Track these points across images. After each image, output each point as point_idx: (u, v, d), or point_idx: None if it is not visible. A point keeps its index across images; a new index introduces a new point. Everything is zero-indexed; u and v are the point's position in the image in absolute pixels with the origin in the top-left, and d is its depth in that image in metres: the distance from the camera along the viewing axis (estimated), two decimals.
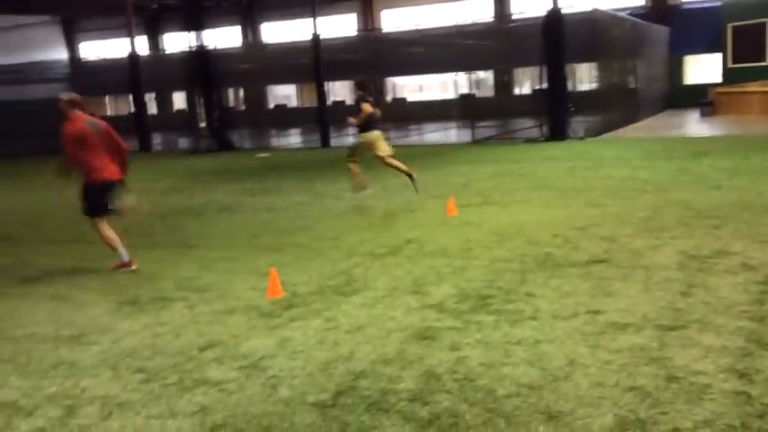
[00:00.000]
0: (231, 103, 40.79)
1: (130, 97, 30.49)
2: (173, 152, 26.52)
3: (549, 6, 19.65)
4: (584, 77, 26.68)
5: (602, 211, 8.96)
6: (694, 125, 22.60)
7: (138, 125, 28.02)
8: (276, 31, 40.39)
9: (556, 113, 19.97)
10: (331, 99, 28.62)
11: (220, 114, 26.88)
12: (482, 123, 24.74)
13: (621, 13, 25.00)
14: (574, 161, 14.58)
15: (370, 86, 11.68)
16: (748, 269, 5.99)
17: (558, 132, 19.76)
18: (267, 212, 10.86)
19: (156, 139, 29.71)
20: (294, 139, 29.33)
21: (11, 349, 5.23)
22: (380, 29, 37.93)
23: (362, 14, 38.73)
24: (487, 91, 37.07)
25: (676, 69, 31.01)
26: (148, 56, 35.89)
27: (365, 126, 10.96)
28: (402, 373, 4.27)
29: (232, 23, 40.70)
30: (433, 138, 25.55)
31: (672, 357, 4.24)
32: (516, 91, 36.85)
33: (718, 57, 28.63)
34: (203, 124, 28.07)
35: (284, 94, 42.73)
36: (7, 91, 29.28)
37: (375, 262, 7.13)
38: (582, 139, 19.49)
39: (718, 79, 28.32)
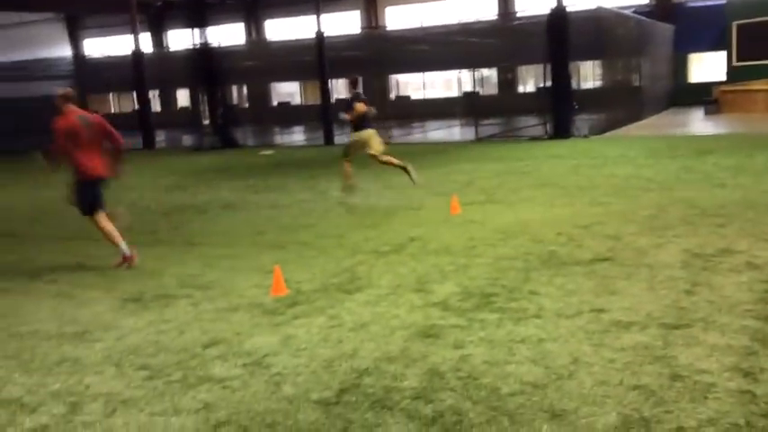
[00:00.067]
0: (235, 100, 40.84)
1: (134, 94, 30.52)
2: (176, 149, 26.56)
3: (554, 4, 19.61)
4: (589, 75, 26.66)
5: (606, 210, 8.95)
6: (698, 123, 22.55)
7: (141, 122, 28.05)
8: (280, 29, 40.39)
9: (560, 111, 19.94)
10: (334, 96, 28.58)
11: (224, 112, 26.89)
12: (486, 121, 24.76)
13: (626, 11, 24.96)
14: (578, 159, 14.56)
15: (360, 84, 11.69)
16: (753, 268, 5.97)
17: (561, 130, 19.73)
18: (271, 210, 10.86)
19: (160, 137, 29.76)
20: (298, 136, 29.36)
21: (15, 346, 5.24)
22: (384, 26, 37.91)
23: (366, 12, 38.71)
24: (491, 89, 37.03)
25: (681, 67, 30.96)
26: (152, 53, 35.93)
27: (359, 125, 11.01)
28: (406, 371, 4.27)
29: (236, 21, 40.72)
30: (437, 135, 25.52)
31: (676, 356, 4.23)
32: (520, 89, 36.84)
33: (722, 55, 28.57)
34: (207, 121, 28.11)
35: (288, 91, 42.73)
36: (11, 88, 29.33)
37: (379, 260, 7.13)
38: (586, 137, 19.46)
39: (723, 77, 28.27)
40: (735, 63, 27.59)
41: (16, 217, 11.92)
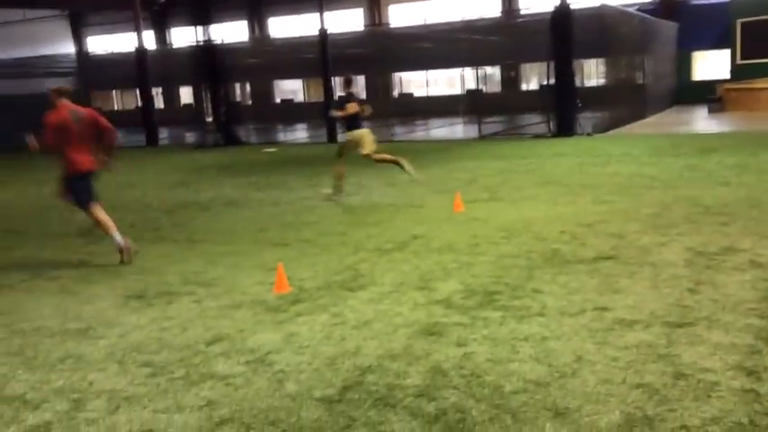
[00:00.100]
0: (238, 97, 40.84)
1: (137, 91, 30.53)
2: (179, 146, 26.56)
3: (558, 1, 19.57)
4: (592, 73, 26.63)
5: (609, 208, 8.93)
6: (702, 122, 22.51)
7: (144, 119, 28.09)
8: (283, 26, 40.38)
9: (563, 109, 19.91)
10: (338, 94, 28.57)
11: (227, 109, 26.89)
12: (489, 119, 24.72)
13: (630, 9, 24.91)
14: (581, 157, 14.54)
15: (355, 83, 11.75)
16: (756, 266, 5.96)
17: (565, 128, 19.71)
18: (273, 207, 10.86)
19: (163, 134, 29.79)
20: (301, 133, 29.36)
21: (18, 343, 5.25)
22: (388, 24, 37.89)
23: (370, 9, 38.68)
24: (494, 86, 37.01)
25: (684, 65, 30.91)
26: (155, 50, 35.93)
27: (352, 124, 11.05)
28: (409, 369, 4.27)
29: (239, 18, 40.72)
30: (440, 133, 25.51)
31: (679, 354, 4.22)
32: (523, 86, 36.81)
33: (726, 53, 28.51)
34: (210, 119, 28.14)
35: (291, 88, 42.75)
36: (15, 85, 29.36)
37: (382, 257, 7.12)
38: (589, 135, 19.44)
39: (727, 75, 28.22)
40: (739, 61, 27.53)
41: (19, 214, 11.93)
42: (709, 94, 26.01)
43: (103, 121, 7.64)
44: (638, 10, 26.01)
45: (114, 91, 47.38)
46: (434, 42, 30.33)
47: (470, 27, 27.04)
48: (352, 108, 10.84)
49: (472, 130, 23.06)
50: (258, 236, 8.76)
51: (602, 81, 24.09)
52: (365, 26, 37.52)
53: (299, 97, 42.35)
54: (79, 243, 8.66)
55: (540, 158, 14.84)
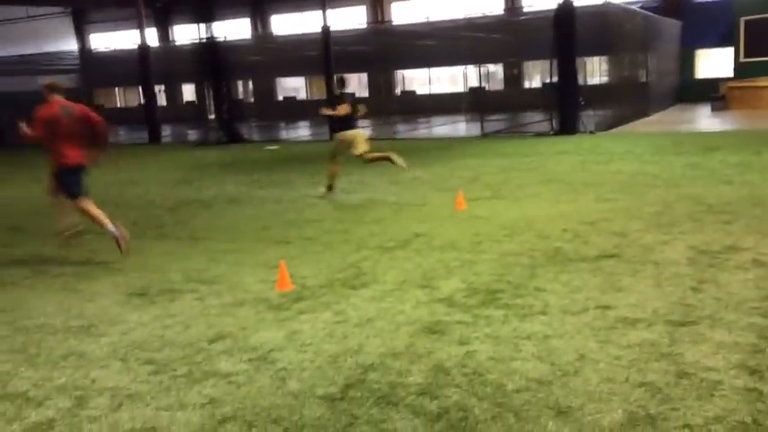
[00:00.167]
0: (240, 95, 40.87)
1: (140, 89, 30.57)
2: (182, 144, 26.55)
3: None
4: (595, 71, 26.62)
5: (612, 206, 8.92)
6: (705, 120, 22.47)
7: (147, 117, 28.11)
8: (286, 23, 40.38)
9: (566, 107, 19.89)
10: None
11: (229, 106, 26.90)
12: (491, 117, 24.69)
13: (633, 7, 24.87)
14: (584, 155, 14.52)
15: (348, 83, 11.82)
16: (759, 265, 5.95)
17: (568, 126, 19.68)
18: (276, 205, 10.87)
19: (166, 131, 29.81)
20: (303, 131, 29.35)
21: (21, 340, 5.26)
22: (390, 21, 37.88)
23: (372, 6, 38.66)
24: (497, 84, 37.00)
25: (688, 63, 30.87)
26: (158, 47, 35.97)
27: (344, 125, 11.10)
28: (411, 367, 4.27)
29: (242, 15, 40.74)
30: (442, 131, 25.50)
31: (682, 353, 4.22)
32: (526, 84, 36.79)
33: (729, 51, 28.45)
34: (212, 116, 28.15)
35: (293, 86, 42.76)
36: (18, 82, 29.42)
37: (384, 255, 7.12)
38: (592, 133, 19.41)
39: (730, 73, 28.16)
40: (742, 59, 27.46)
41: (22, 211, 11.94)
42: (712, 93, 25.97)
43: (94, 116, 7.74)
44: (642, 8, 25.98)
45: (117, 88, 47.46)
46: (437, 40, 30.33)
47: (473, 25, 27.03)
48: (343, 110, 10.92)
49: (475, 128, 23.04)
50: (260, 233, 8.76)
51: (604, 79, 24.09)
52: (368, 23, 37.51)
53: (302, 95, 42.36)
54: (83, 240, 8.65)
55: (543, 156, 14.83)
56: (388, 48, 32.20)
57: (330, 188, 11.36)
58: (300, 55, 30.27)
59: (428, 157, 15.78)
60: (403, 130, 26.45)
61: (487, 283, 5.93)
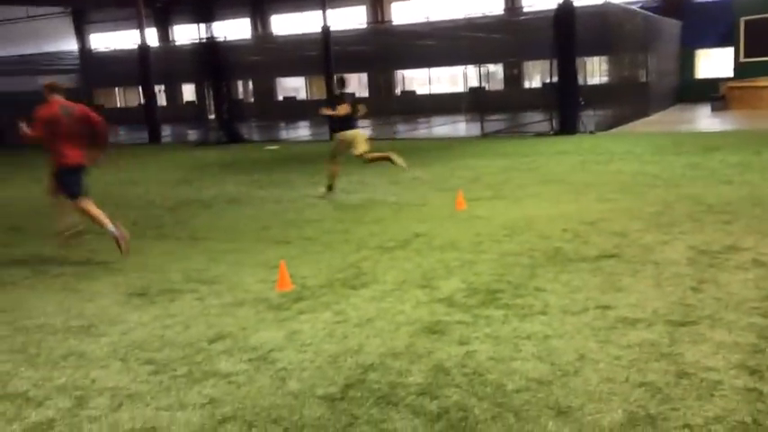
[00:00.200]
0: (240, 95, 40.86)
1: (140, 89, 30.56)
2: (182, 144, 26.55)
3: None
4: (595, 71, 26.62)
5: (612, 206, 8.92)
6: (705, 120, 22.47)
7: (147, 117, 28.12)
8: (286, 23, 40.38)
9: (566, 107, 19.89)
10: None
11: (229, 106, 26.91)
12: (491, 117, 24.68)
13: (633, 7, 24.87)
14: (584, 155, 14.52)
15: (348, 84, 11.84)
16: (759, 265, 5.95)
17: (568, 126, 19.68)
18: (276, 205, 10.87)
19: (166, 131, 29.81)
20: (303, 131, 29.35)
21: (21, 340, 5.26)
22: (390, 21, 37.89)
23: (372, 6, 38.66)
24: (497, 84, 37.00)
25: (688, 63, 30.87)
26: (158, 47, 35.98)
27: (344, 125, 11.11)
28: (411, 367, 4.27)
29: (242, 15, 40.75)
30: (443, 131, 25.50)
31: (682, 353, 4.22)
32: (526, 84, 36.79)
33: (729, 51, 28.45)
34: (212, 116, 28.15)
35: (293, 86, 42.76)
36: (18, 82, 29.42)
37: (384, 255, 7.12)
38: (592, 133, 19.41)
39: (730, 73, 28.16)
40: (742, 59, 27.46)
41: (22, 211, 11.94)
42: (712, 93, 25.97)
43: (94, 116, 7.76)
44: (642, 8, 25.98)
45: (117, 88, 47.47)
46: (437, 40, 30.33)
47: (473, 25, 27.03)
48: (343, 110, 10.93)
49: (475, 128, 23.04)
50: (260, 233, 8.76)
51: (604, 79, 24.08)
52: (368, 23, 37.52)
53: (302, 95, 42.37)
54: (83, 240, 8.65)
55: (543, 156, 14.83)
56: (388, 48, 32.19)
57: (330, 188, 11.37)
58: (300, 55, 30.27)
59: (428, 157, 15.78)
60: (403, 130, 26.45)
61: (487, 283, 5.93)
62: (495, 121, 24.58)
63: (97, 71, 38.32)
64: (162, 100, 39.56)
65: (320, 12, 24.74)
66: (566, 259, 6.52)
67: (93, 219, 7.72)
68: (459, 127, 26.27)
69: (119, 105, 47.46)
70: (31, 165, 17.84)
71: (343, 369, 4.31)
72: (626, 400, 3.67)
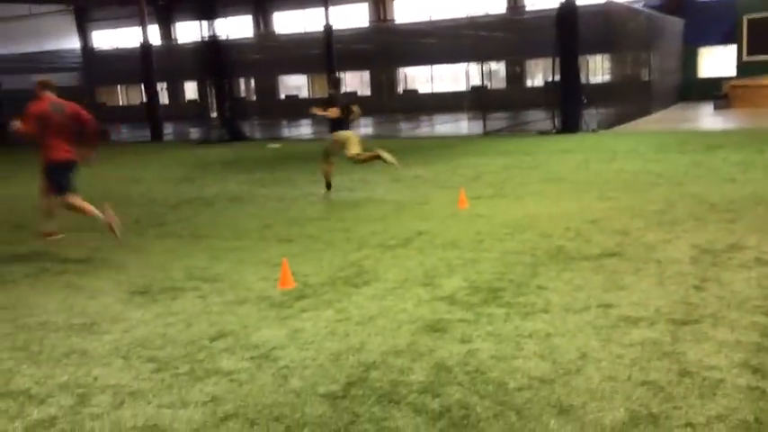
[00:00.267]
0: (243, 93, 40.87)
1: (142, 87, 30.56)
2: (184, 142, 26.57)
3: None
4: (598, 69, 26.57)
5: (614, 205, 8.91)
6: (708, 118, 22.44)
7: (149, 115, 28.15)
8: (288, 22, 40.38)
9: (568, 105, 19.87)
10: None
11: (232, 104, 26.92)
12: (494, 115, 24.68)
13: (636, 5, 24.84)
14: (586, 154, 14.51)
15: (342, 85, 11.86)
16: (762, 263, 5.94)
17: (570, 125, 19.67)
18: (278, 203, 10.87)
19: (168, 129, 29.84)
20: (305, 129, 29.35)
21: (24, 337, 5.26)
22: (393, 19, 37.86)
23: (374, 5, 38.62)
24: (499, 83, 36.95)
25: (690, 62, 30.82)
26: (160, 45, 36.05)
27: (336, 126, 11.12)
28: (413, 365, 4.26)
29: (244, 13, 40.73)
30: (445, 129, 25.50)
31: (685, 352, 4.21)
32: (528, 83, 36.76)
33: (732, 49, 28.41)
34: (214, 114, 28.17)
35: (295, 84, 42.76)
36: (20, 80, 29.44)
37: (386, 253, 7.12)
38: (594, 131, 19.40)
39: (733, 72, 28.12)
40: (745, 58, 27.43)
41: (24, 208, 11.94)
42: (714, 91, 25.93)
43: (84, 114, 7.84)
44: (644, 6, 25.94)
45: (119, 86, 47.50)
46: (439, 38, 30.30)
47: (475, 23, 27.01)
48: (333, 113, 10.92)
49: (477, 127, 23.02)
50: (263, 232, 8.76)
51: (607, 77, 24.04)
52: (370, 22, 37.50)
53: (304, 93, 42.35)
54: (84, 238, 8.67)
55: (545, 155, 14.81)
56: (390, 46, 32.19)
57: (329, 187, 11.36)
58: (302, 53, 30.29)
59: (430, 156, 15.78)
60: (405, 128, 26.45)
61: (489, 281, 5.92)
62: (498, 120, 24.57)
63: (99, 69, 38.38)
64: (164, 98, 39.59)
65: (322, 10, 24.76)
66: (568, 257, 6.51)
67: (83, 212, 7.81)
68: (461, 125, 26.26)
69: (121, 103, 47.50)
70: (34, 163, 17.86)
71: (344, 367, 4.30)
72: (628, 399, 3.66)
